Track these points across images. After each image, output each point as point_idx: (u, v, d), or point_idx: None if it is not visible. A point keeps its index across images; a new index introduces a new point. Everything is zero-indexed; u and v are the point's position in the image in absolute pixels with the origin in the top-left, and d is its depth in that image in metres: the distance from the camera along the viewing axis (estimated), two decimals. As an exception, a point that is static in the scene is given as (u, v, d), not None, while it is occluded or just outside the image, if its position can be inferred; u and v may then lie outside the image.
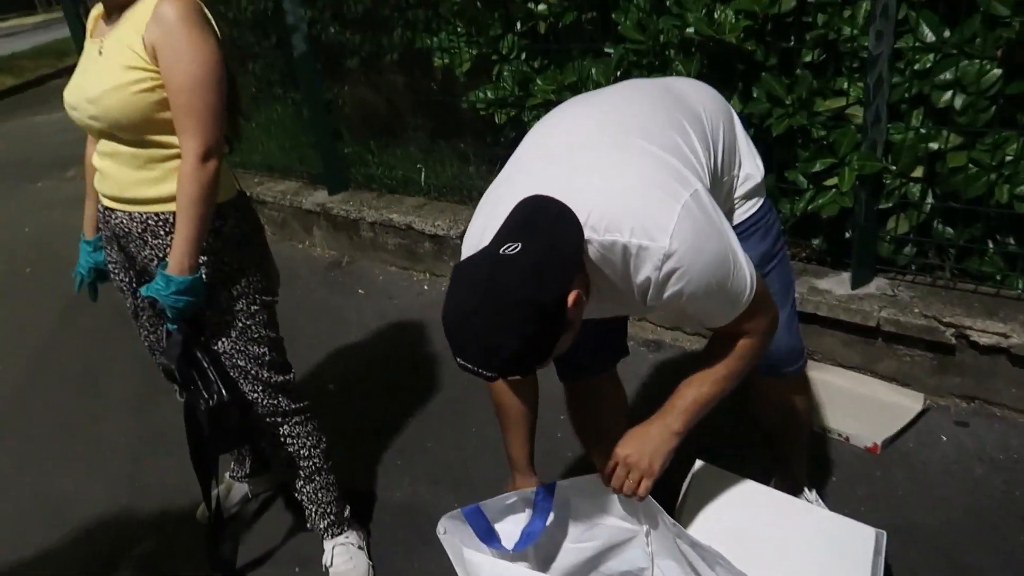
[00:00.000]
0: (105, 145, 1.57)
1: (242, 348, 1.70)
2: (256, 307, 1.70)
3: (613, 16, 2.60)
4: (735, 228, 1.42)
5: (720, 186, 1.36)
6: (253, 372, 1.73)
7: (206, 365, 1.59)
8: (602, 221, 1.12)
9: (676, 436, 1.33)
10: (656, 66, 2.54)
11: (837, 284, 2.38)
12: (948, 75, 2.05)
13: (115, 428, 2.70)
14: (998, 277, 2.21)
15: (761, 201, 1.48)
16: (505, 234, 1.11)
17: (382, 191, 3.78)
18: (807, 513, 1.68)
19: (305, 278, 3.67)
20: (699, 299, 1.17)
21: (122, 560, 2.13)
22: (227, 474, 2.22)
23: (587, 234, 1.13)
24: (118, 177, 1.57)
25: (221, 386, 1.59)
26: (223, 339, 1.67)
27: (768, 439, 1.84)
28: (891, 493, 1.97)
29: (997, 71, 1.98)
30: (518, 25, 2.95)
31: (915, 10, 2.05)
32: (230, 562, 1.96)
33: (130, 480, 2.41)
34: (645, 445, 1.33)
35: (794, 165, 2.36)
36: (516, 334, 1.05)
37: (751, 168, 1.45)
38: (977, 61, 1.99)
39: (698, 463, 1.66)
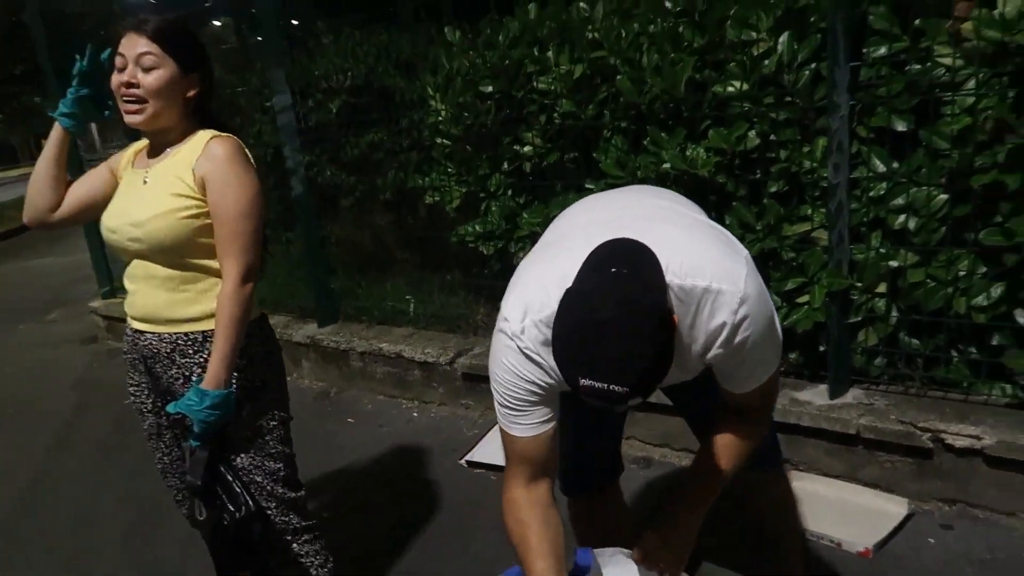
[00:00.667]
0: (138, 267, 1.69)
1: (259, 463, 1.75)
2: (275, 423, 1.77)
3: (594, 155, 2.85)
4: None
5: None
6: (268, 488, 1.76)
7: (231, 479, 1.63)
8: (683, 267, 1.18)
9: (699, 525, 1.38)
10: (635, 198, 2.77)
11: (816, 395, 2.50)
12: (901, 200, 2.28)
13: (110, 563, 2.63)
14: (964, 384, 2.36)
15: None
16: (598, 265, 1.13)
17: (371, 323, 3.90)
18: None
19: (294, 410, 3.68)
20: (755, 350, 1.24)
21: None
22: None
23: (668, 279, 1.16)
24: (151, 299, 1.68)
25: (247, 497, 1.62)
26: (243, 454, 1.72)
27: (769, 541, 1.88)
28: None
29: (943, 196, 2.22)
30: (505, 165, 3.20)
31: (866, 145, 2.30)
32: None
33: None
34: (674, 540, 1.38)
35: (768, 285, 2.54)
36: (652, 342, 1.05)
37: None
38: (925, 188, 2.23)
39: (704, 564, 1.71)
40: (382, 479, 2.97)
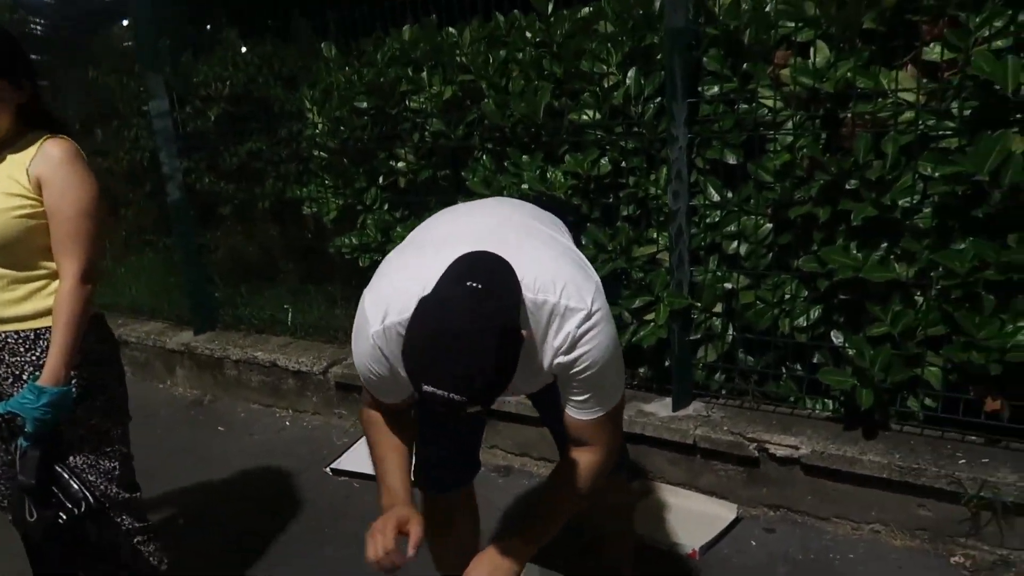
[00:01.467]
0: None
1: (93, 463, 1.76)
2: (110, 423, 1.78)
3: (463, 173, 2.95)
4: None
5: None
6: (102, 487, 1.77)
7: (67, 476, 1.64)
8: (536, 282, 1.27)
9: (525, 558, 1.44)
10: (500, 217, 2.88)
11: (661, 407, 2.66)
12: (733, 227, 2.46)
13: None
14: (792, 399, 2.56)
15: None
16: (457, 277, 1.19)
17: (249, 331, 3.88)
18: None
19: (164, 417, 3.65)
20: (594, 369, 1.33)
21: None
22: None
23: (523, 292, 1.25)
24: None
25: (86, 493, 1.64)
26: (76, 453, 1.73)
27: (598, 545, 2.00)
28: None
29: (769, 225, 2.42)
30: (381, 179, 3.27)
31: (703, 175, 2.48)
32: None
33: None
34: (497, 570, 1.40)
35: (618, 303, 2.69)
36: (496, 357, 1.11)
37: None
38: (753, 217, 2.42)
39: (527, 565, 1.80)
40: (246, 487, 2.97)
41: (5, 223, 1.62)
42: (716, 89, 2.38)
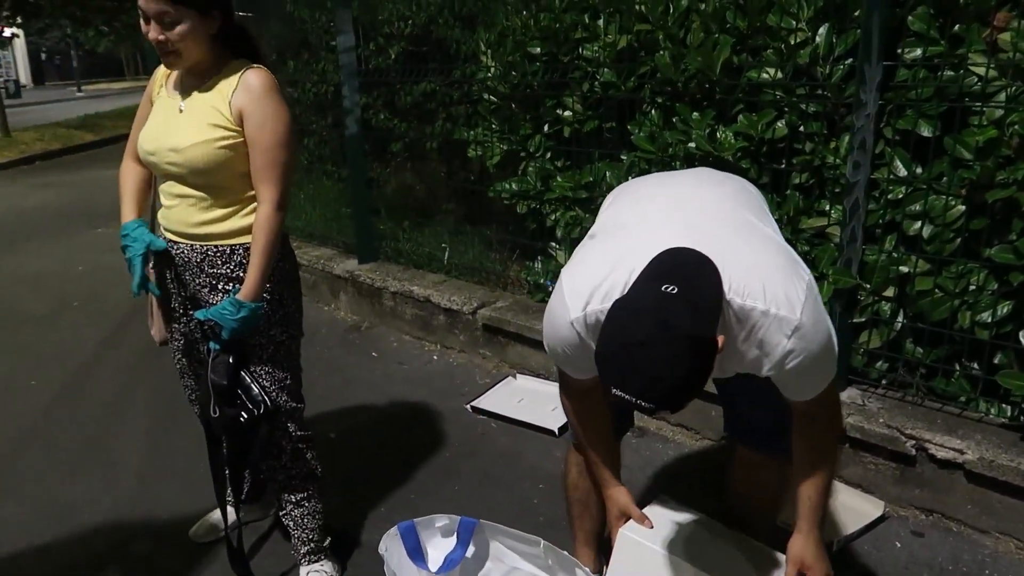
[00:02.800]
0: (173, 187, 1.84)
1: (269, 370, 1.92)
2: (287, 336, 1.94)
3: (629, 127, 2.88)
4: None
5: None
6: (275, 394, 1.93)
7: (250, 381, 1.80)
8: (743, 287, 1.23)
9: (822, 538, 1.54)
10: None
11: (811, 390, 2.52)
12: (918, 207, 2.25)
13: (129, 449, 2.89)
14: (962, 399, 2.34)
15: None
16: (656, 277, 1.19)
17: (408, 265, 4.05)
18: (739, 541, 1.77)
19: (325, 337, 3.91)
20: (808, 372, 1.32)
21: (114, 562, 2.28)
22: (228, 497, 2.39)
23: (727, 295, 1.22)
24: (185, 216, 1.84)
25: (266, 398, 1.80)
26: (255, 359, 1.90)
27: (739, 520, 1.93)
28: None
29: (961, 207, 2.19)
30: (546, 127, 3.26)
31: (890, 147, 2.28)
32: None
33: (135, 497, 2.59)
34: (821, 556, 1.53)
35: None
36: (682, 366, 1.11)
37: None
38: (944, 197, 2.20)
39: (623, 531, 1.76)
40: (390, 413, 3.13)
41: (209, 153, 1.73)
42: (919, 52, 2.16)
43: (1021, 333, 2.16)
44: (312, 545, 2.10)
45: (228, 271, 1.84)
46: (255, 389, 1.81)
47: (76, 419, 3.15)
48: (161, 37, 1.68)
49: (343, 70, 3.83)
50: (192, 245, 1.85)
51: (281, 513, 2.10)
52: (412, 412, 3.11)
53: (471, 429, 2.94)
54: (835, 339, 1.34)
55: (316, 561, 2.11)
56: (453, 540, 1.67)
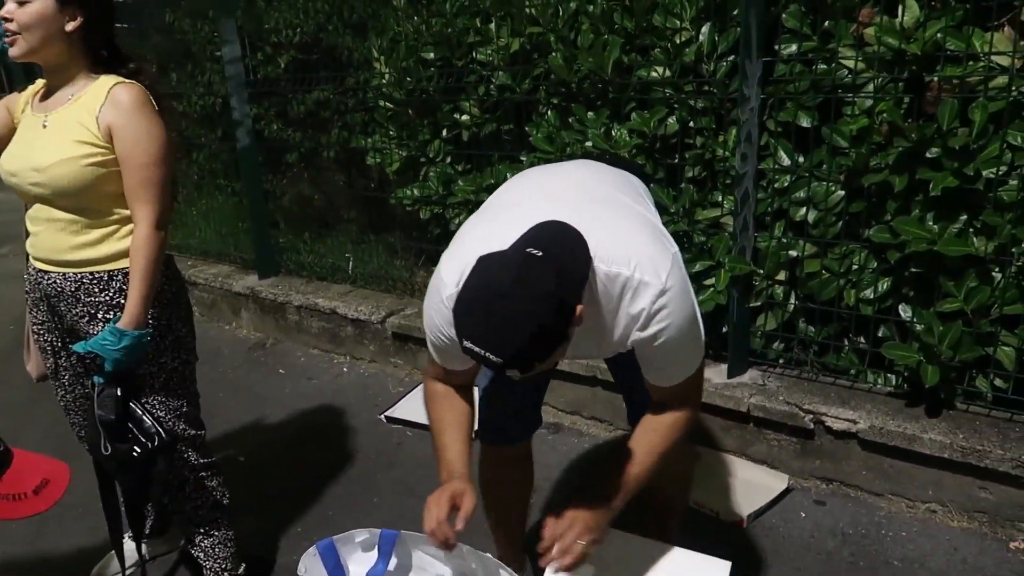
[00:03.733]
0: (40, 211, 1.72)
1: (163, 399, 1.82)
2: (179, 362, 1.84)
3: (527, 128, 2.92)
4: None
5: None
6: (170, 424, 1.84)
7: (141, 413, 1.71)
8: (610, 254, 1.26)
9: (612, 514, 1.46)
10: (562, 174, 2.85)
11: (716, 374, 2.63)
12: (802, 193, 2.39)
13: (19, 491, 2.71)
14: (852, 372, 2.49)
15: None
16: (523, 243, 1.21)
17: (311, 278, 3.96)
18: (666, 552, 1.84)
19: (228, 357, 3.78)
20: (671, 344, 1.32)
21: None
22: (126, 535, 2.27)
23: (595, 264, 1.25)
24: (54, 241, 1.72)
25: (159, 429, 1.71)
26: (146, 389, 1.80)
27: (653, 510, 1.99)
28: (754, 563, 2.14)
29: (841, 192, 2.33)
30: (444, 132, 3.26)
31: (774, 138, 2.40)
32: None
33: (30, 537, 2.43)
34: (599, 517, 1.42)
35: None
36: (536, 323, 1.12)
37: None
38: (825, 183, 2.34)
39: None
40: (302, 430, 3.06)
41: (76, 171, 1.64)
42: (794, 48, 2.29)
43: (900, 306, 2.32)
44: (227, 575, 2.03)
45: (107, 298, 1.74)
46: (147, 421, 1.72)
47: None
48: (7, 15, 1.59)
49: (230, 81, 3.72)
50: (65, 273, 1.74)
51: (190, 546, 2.02)
52: (325, 427, 3.05)
53: (387, 439, 2.91)
54: (700, 321, 1.37)
55: None
56: (375, 554, 1.64)
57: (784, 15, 2.28)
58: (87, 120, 1.64)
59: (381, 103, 3.41)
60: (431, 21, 3.14)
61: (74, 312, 1.76)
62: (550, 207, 1.32)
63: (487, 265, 1.18)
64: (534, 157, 2.91)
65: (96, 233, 1.72)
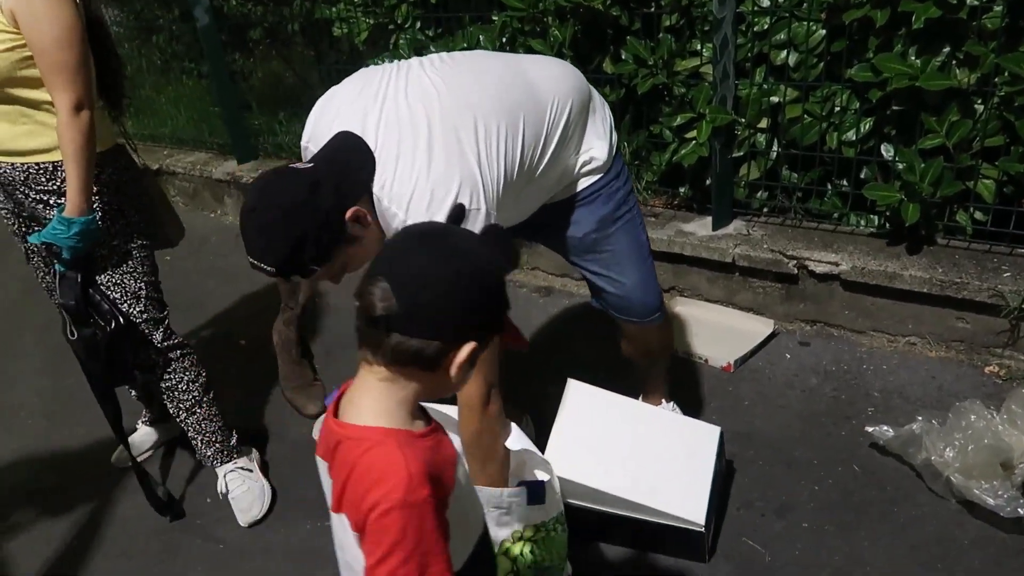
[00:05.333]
0: None
1: (118, 281, 1.85)
2: (133, 246, 1.85)
3: (496, -16, 2.79)
4: (576, 195, 1.62)
5: (553, 168, 1.54)
6: (128, 305, 1.86)
7: (99, 298, 1.75)
8: (395, 193, 1.31)
9: None
10: (537, 33, 2.75)
11: (700, 227, 2.65)
12: (783, 36, 2.31)
13: (28, 389, 2.79)
14: (835, 215, 2.51)
15: (603, 174, 1.65)
16: (310, 159, 1.32)
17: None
18: (662, 417, 1.96)
19: (216, 245, 3.77)
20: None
21: (25, 497, 2.26)
22: (139, 421, 2.36)
23: (378, 193, 1.32)
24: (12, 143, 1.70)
25: (117, 313, 1.75)
26: (101, 273, 1.82)
27: (635, 367, 2.06)
28: (739, 405, 2.24)
29: (822, 31, 2.26)
30: (411, -5, 3.12)
31: (752, -23, 2.30)
32: (171, 503, 2.11)
33: (45, 436, 2.52)
34: None
35: (658, 120, 2.61)
36: (286, 232, 1.22)
37: (597, 151, 1.62)
38: (805, 23, 2.26)
39: (570, 381, 1.89)
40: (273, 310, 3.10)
41: None
42: None
43: (883, 147, 2.31)
44: (217, 446, 2.12)
45: (55, 187, 1.74)
46: (105, 305, 1.76)
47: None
48: None
49: (181, -46, 3.51)
50: (13, 163, 1.73)
51: (181, 425, 2.10)
52: (318, 310, 3.10)
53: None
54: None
55: (227, 460, 2.14)
56: None
57: None
58: None
59: (342, -32, 3.24)
60: None
61: (30, 199, 1.77)
62: (382, 112, 1.36)
63: (254, 182, 1.30)
64: (506, 16, 2.79)
65: (29, 123, 1.69)
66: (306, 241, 1.23)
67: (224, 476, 2.11)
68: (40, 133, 1.69)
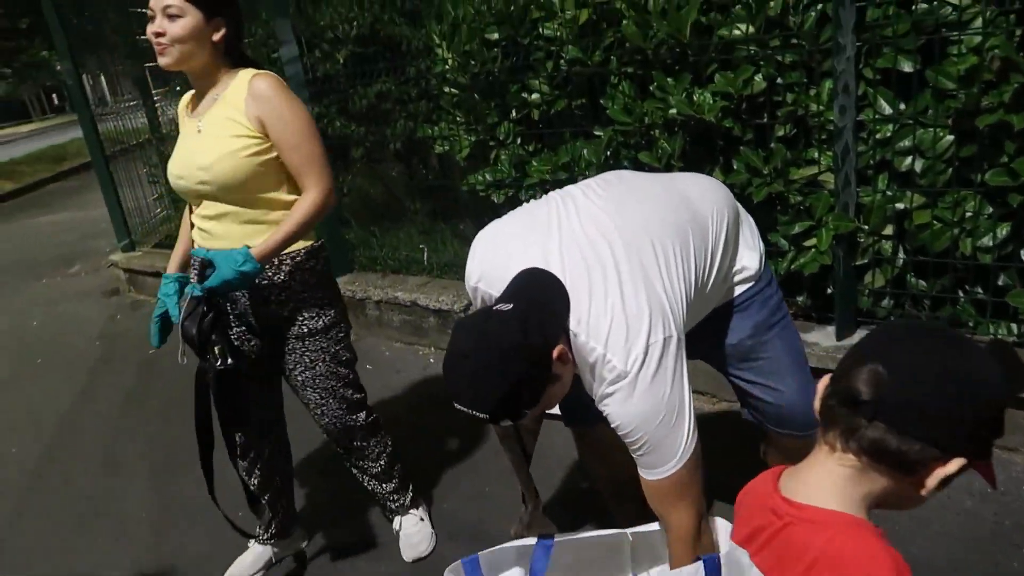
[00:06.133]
0: (210, 208, 1.81)
1: (334, 369, 1.98)
2: (342, 333, 1.97)
3: (601, 101, 2.85)
4: (732, 302, 1.58)
5: (714, 283, 1.50)
6: (340, 391, 2.01)
7: (223, 341, 1.75)
8: (592, 326, 1.28)
9: None
10: (643, 145, 2.77)
11: (823, 337, 2.54)
12: (907, 142, 2.27)
13: (136, 503, 2.77)
14: (971, 324, 2.39)
15: (756, 281, 1.61)
16: (501, 298, 1.30)
17: (386, 272, 3.96)
18: None
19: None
20: (623, 434, 1.31)
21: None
22: (252, 540, 2.30)
23: (575, 328, 1.29)
24: (227, 234, 1.80)
25: (231, 357, 1.76)
26: (320, 362, 1.95)
27: None
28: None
29: (950, 137, 2.21)
30: (513, 113, 3.20)
31: (872, 87, 2.29)
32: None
33: (155, 551, 2.48)
34: None
35: (775, 228, 2.56)
36: (503, 377, 1.20)
37: (749, 260, 1.59)
38: (931, 129, 2.23)
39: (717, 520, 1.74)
40: (397, 424, 3.05)
41: (236, 164, 1.72)
42: (890, -11, 2.17)
43: (1022, 252, 2.20)
44: (396, 505, 2.29)
45: (279, 280, 1.83)
46: (225, 349, 1.75)
47: (70, 481, 3.01)
48: (160, 29, 1.68)
49: (290, 81, 3.70)
50: None
51: (375, 495, 2.27)
52: (424, 416, 3.05)
53: (488, 427, 2.90)
54: (677, 418, 1.28)
55: (404, 514, 2.31)
56: (522, 569, 1.58)
57: (878, -45, 2.16)
58: (237, 115, 1.73)
59: (445, 89, 3.37)
60: (491, 1, 3.07)
61: (244, 300, 1.84)
62: (559, 245, 1.35)
63: (456, 329, 1.26)
64: (611, 131, 2.84)
65: (265, 222, 1.79)
66: (522, 384, 1.22)
67: (401, 520, 2.30)
68: (268, 231, 1.78)
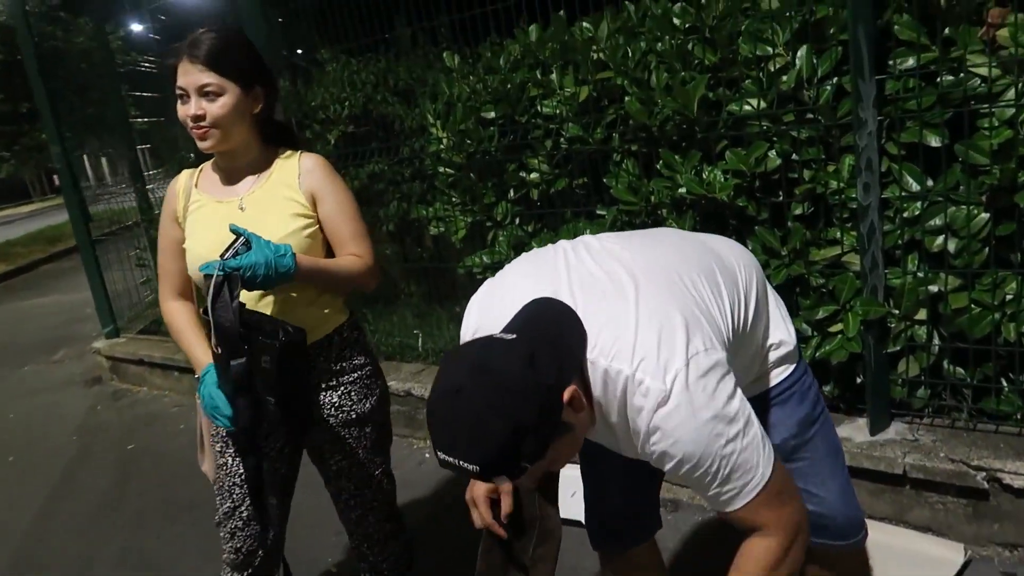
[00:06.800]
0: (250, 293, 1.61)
1: (379, 455, 1.91)
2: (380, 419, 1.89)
3: (604, 180, 2.70)
4: (770, 392, 1.38)
5: (748, 347, 1.31)
6: (383, 480, 1.94)
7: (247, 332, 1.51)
8: (614, 349, 1.07)
9: None
10: (649, 223, 2.61)
11: (855, 431, 2.33)
12: (938, 221, 2.11)
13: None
14: (1019, 416, 2.18)
15: (794, 366, 1.43)
16: (504, 329, 1.07)
17: (379, 358, 3.75)
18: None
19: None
20: (689, 468, 1.07)
21: None
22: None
23: (592, 356, 1.08)
24: (291, 315, 1.62)
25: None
26: (376, 472, 1.90)
27: None
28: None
29: (985, 215, 2.05)
30: (511, 192, 3.06)
31: (896, 162, 2.14)
32: None
33: None
34: None
35: (797, 313, 2.37)
36: (508, 418, 0.94)
37: (783, 335, 1.41)
38: (964, 207, 2.06)
39: None
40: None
41: (300, 243, 1.61)
42: (911, 61, 2.03)
43: (1073, 338, 2.01)
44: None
45: (333, 355, 1.74)
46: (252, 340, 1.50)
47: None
48: (200, 111, 1.54)
49: (280, 163, 3.58)
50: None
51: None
52: (419, 520, 2.80)
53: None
54: (742, 434, 1.07)
55: None
56: None
57: (896, 26, 2.03)
58: (292, 193, 1.64)
59: (440, 169, 3.23)
60: (487, 79, 2.96)
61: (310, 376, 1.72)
62: (568, 280, 1.17)
63: (446, 361, 1.03)
64: (615, 210, 2.68)
65: (319, 302, 1.70)
66: (526, 430, 0.95)
67: None
68: (311, 307, 1.69)
